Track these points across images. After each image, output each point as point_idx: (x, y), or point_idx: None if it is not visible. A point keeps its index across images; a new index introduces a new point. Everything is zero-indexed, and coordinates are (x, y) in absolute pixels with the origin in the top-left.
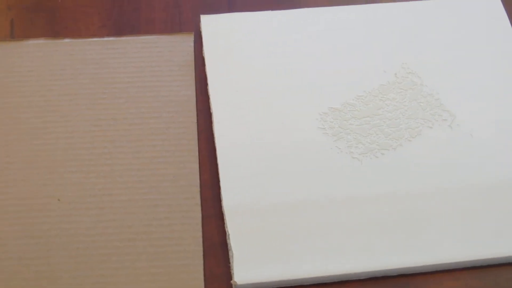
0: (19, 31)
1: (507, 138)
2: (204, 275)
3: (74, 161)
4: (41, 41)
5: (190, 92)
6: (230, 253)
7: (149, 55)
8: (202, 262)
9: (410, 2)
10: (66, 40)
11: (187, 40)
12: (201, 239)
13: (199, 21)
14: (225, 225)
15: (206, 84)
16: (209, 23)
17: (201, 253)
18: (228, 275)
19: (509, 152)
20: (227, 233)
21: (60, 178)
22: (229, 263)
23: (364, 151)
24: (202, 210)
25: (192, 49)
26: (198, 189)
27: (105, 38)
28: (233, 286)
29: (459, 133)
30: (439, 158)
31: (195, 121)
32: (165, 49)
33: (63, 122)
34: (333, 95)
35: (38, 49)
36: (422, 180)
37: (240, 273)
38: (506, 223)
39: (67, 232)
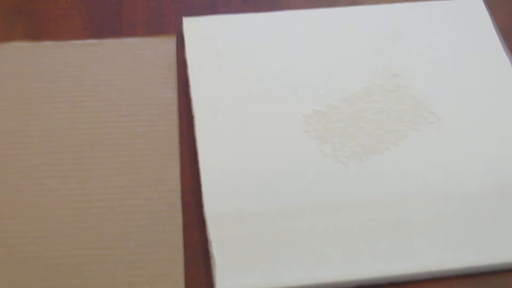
0: None
1: (495, 141)
2: (186, 284)
3: (51, 165)
4: (22, 44)
5: (172, 94)
6: (212, 261)
7: (131, 58)
8: (183, 270)
9: (393, 4)
10: (47, 43)
11: (169, 43)
12: (182, 247)
13: (181, 23)
14: (207, 233)
15: (188, 87)
16: (191, 25)
17: (182, 262)
18: (211, 284)
19: (497, 156)
20: (209, 241)
21: (36, 183)
22: (212, 271)
23: (350, 155)
24: (183, 216)
25: (175, 51)
26: (179, 194)
27: (87, 41)
28: None
29: (446, 136)
30: (426, 163)
31: (177, 124)
32: (147, 52)
33: (41, 125)
34: (317, 97)
35: (18, 52)
36: (409, 186)
37: (223, 282)
38: (495, 230)
39: (43, 240)
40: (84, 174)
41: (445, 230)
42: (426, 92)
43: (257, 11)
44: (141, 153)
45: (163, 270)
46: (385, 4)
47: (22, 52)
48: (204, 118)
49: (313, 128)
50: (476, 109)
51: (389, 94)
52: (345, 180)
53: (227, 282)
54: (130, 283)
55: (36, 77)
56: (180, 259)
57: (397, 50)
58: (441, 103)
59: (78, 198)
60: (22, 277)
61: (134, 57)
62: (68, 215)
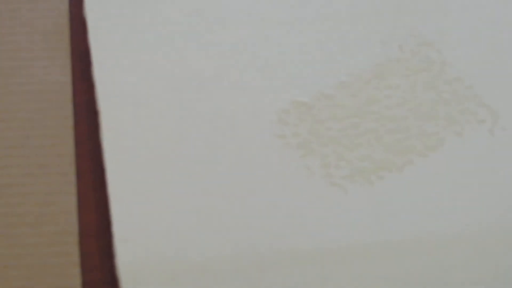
0: None
1: None
2: None
3: None
4: None
5: (62, 77)
6: None
7: None
8: None
9: None
10: None
11: None
12: None
13: None
14: None
15: (89, 65)
16: None
17: None
18: None
19: None
20: None
21: None
22: None
23: (350, 173)
24: (82, 274)
25: (67, 7)
26: (76, 239)
27: None
28: None
29: (504, 143)
30: (473, 186)
31: (72, 124)
32: (24, 7)
33: None
34: (299, 82)
35: None
36: (444, 223)
37: None
38: None
39: None
40: None
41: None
42: (474, 73)
43: None
44: (16, 173)
45: None
46: None
47: None
48: (116, 116)
49: (292, 131)
50: None
51: (415, 75)
52: (343, 213)
53: None
54: None
55: None
56: None
57: (428, 6)
58: (498, 91)
59: None
60: None
61: (3, 16)
62: None
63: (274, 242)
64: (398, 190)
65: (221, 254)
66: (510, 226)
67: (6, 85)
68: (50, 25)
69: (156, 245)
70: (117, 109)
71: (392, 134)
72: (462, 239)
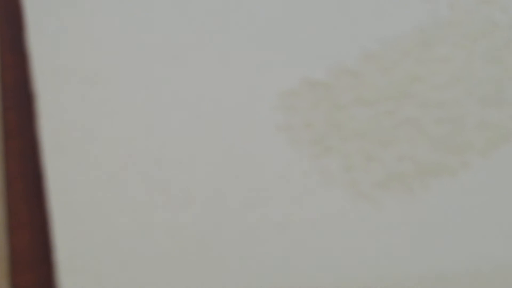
0: None
1: None
2: None
3: None
4: None
5: None
6: None
7: None
8: None
9: None
10: None
11: None
12: None
13: None
14: None
15: (21, 37)
16: None
17: None
18: None
19: None
20: None
21: None
22: None
23: (385, 179)
24: None
25: None
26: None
27: None
28: None
29: None
30: None
31: None
32: None
33: None
34: (311, 53)
35: None
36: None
37: None
38: None
39: None
40: None
41: None
42: None
43: None
44: None
45: None
46: None
47: None
48: (58, 101)
49: (302, 121)
50: None
51: (472, 43)
52: (371, 237)
53: None
54: None
55: None
56: None
57: None
58: None
59: None
60: None
61: None
62: None
63: (277, 276)
64: (451, 202)
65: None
66: None
67: None
68: None
69: (112, 275)
70: (60, 92)
71: (440, 125)
72: None
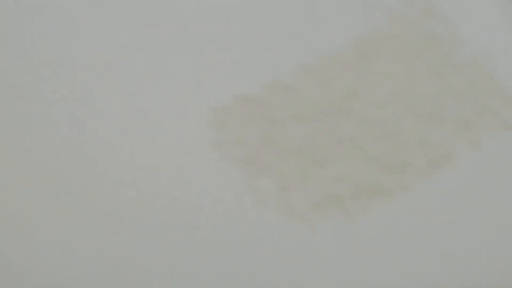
0: None
1: None
2: None
3: None
4: None
5: None
6: None
7: None
8: None
9: None
10: None
11: None
12: None
13: None
14: None
15: None
16: None
17: None
18: None
19: None
20: None
21: None
22: None
23: (321, 200)
24: None
25: None
26: None
27: None
28: None
29: None
30: (498, 215)
31: None
32: None
33: None
34: (245, 67)
35: None
36: (458, 272)
37: None
38: None
39: None
40: None
41: None
42: (498, 54)
43: None
44: None
45: None
46: None
47: None
48: None
49: (235, 138)
50: None
51: (413, 56)
52: (306, 261)
53: None
54: None
55: None
56: None
57: None
58: None
59: None
60: None
61: None
62: None
63: None
64: (388, 224)
65: None
66: None
67: None
68: None
69: None
70: None
71: (379, 144)
72: None
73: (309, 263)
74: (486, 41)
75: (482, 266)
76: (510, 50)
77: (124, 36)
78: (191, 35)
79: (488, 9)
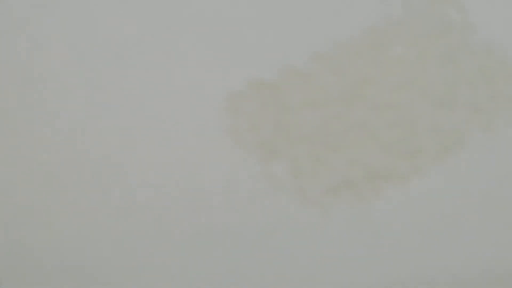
0: None
1: None
2: None
3: None
4: None
5: None
6: None
7: None
8: None
9: None
10: None
11: None
12: None
13: None
14: None
15: None
16: None
17: None
18: None
19: None
20: None
21: None
22: None
23: (334, 185)
24: None
25: None
26: None
27: None
28: None
29: None
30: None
31: None
32: None
33: None
34: (257, 52)
35: None
36: (464, 259)
37: None
38: None
39: None
40: None
41: None
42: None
43: None
44: None
45: None
46: None
47: None
48: None
49: (248, 123)
50: None
51: (426, 43)
52: (319, 245)
53: None
54: None
55: None
56: None
57: None
58: None
59: None
60: None
61: None
62: None
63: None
64: (402, 208)
65: None
66: None
67: None
68: None
69: None
70: None
71: (393, 129)
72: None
73: (323, 248)
74: (498, 26)
75: (498, 247)
76: None
77: (137, 21)
78: (206, 21)
79: None
